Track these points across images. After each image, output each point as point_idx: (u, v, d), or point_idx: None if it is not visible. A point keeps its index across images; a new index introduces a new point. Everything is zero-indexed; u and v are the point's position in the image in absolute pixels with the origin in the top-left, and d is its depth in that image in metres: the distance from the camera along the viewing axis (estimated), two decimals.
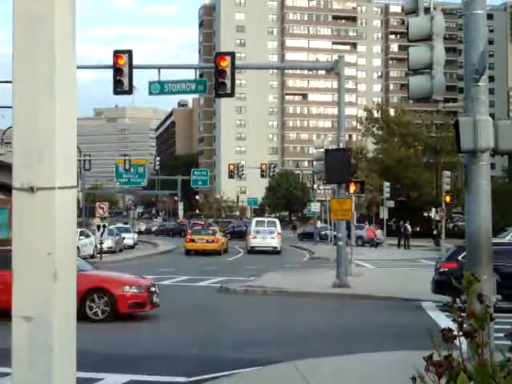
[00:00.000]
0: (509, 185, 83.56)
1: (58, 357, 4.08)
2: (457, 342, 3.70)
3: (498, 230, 43.46)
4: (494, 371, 3.54)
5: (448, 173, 59.32)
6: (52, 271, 4.04)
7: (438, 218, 59.06)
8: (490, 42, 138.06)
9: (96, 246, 43.84)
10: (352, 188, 34.13)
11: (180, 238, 79.40)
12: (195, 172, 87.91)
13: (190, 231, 59.95)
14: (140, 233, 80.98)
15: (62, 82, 4.13)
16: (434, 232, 65.75)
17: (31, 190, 4.06)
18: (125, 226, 69.75)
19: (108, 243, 47.17)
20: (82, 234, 42.61)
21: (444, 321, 15.96)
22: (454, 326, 3.77)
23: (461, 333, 3.68)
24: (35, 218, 4.09)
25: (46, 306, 4.04)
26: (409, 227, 64.62)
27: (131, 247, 58.89)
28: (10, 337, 4.12)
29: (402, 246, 62.17)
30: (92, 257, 43.41)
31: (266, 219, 63.75)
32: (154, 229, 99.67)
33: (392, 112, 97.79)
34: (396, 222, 71.06)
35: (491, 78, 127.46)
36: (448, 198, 57.82)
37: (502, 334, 3.89)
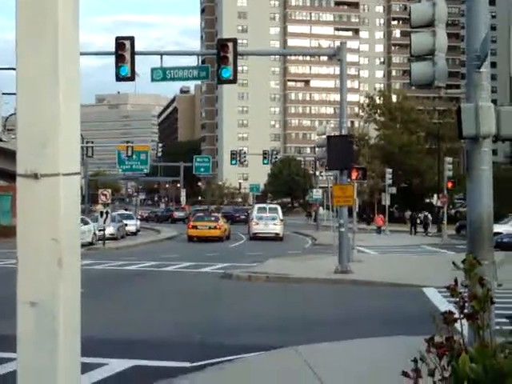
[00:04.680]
0: (511, 171, 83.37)
1: (63, 342, 4.11)
2: (458, 325, 3.73)
3: (500, 217, 43.50)
4: (494, 352, 3.58)
5: (450, 159, 59.36)
6: (57, 257, 4.06)
7: (439, 204, 59.16)
8: (493, 28, 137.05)
9: (95, 233, 43.89)
10: (354, 174, 34.22)
11: (167, 224, 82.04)
12: (197, 159, 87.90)
13: (192, 218, 59.92)
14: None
15: (65, 69, 4.14)
16: (418, 221, 65.68)
17: (35, 176, 4.07)
18: (127, 212, 69.93)
19: (110, 230, 47.14)
20: (81, 221, 42.61)
21: (445, 306, 15.99)
22: (455, 311, 3.81)
23: (462, 315, 3.71)
24: (39, 205, 4.10)
25: (51, 292, 4.06)
26: (429, 216, 64.96)
27: (134, 234, 59.05)
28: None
29: (428, 234, 62.20)
30: (91, 244, 43.32)
31: (267, 206, 63.64)
32: (145, 215, 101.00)
33: (394, 98, 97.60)
34: (398, 209, 71.11)
35: (493, 64, 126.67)
36: (450, 184, 58.00)
37: (503, 320, 3.92)
